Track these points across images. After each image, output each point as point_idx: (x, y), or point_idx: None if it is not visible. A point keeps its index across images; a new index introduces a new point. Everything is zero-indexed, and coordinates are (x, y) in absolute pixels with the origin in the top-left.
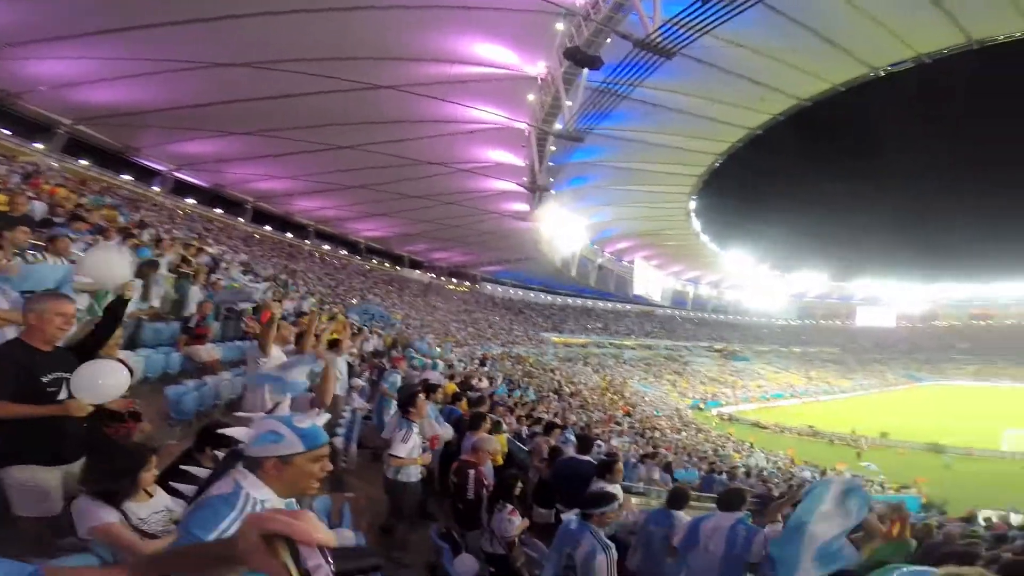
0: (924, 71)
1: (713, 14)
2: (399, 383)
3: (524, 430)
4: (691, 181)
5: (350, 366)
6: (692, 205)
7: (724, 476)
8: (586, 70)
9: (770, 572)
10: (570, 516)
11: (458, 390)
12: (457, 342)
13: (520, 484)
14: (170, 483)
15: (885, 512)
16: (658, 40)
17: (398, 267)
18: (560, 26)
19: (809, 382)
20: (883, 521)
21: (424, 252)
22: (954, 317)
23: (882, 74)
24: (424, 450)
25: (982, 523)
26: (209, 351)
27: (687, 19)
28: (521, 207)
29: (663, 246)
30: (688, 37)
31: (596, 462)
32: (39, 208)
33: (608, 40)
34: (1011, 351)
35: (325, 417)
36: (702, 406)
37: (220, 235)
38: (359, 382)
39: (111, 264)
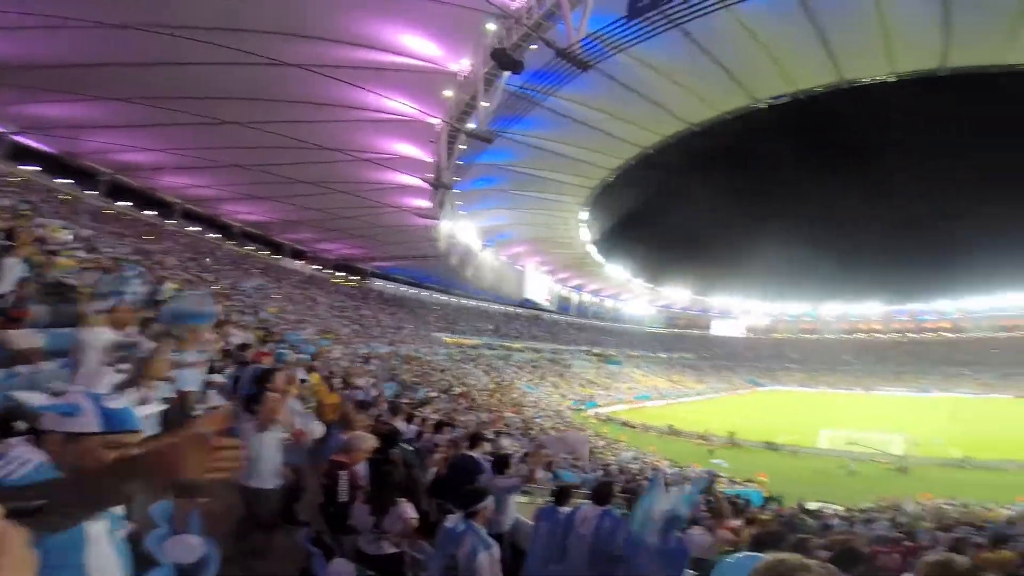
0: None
1: (633, 33)
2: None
3: (410, 428)
4: (585, 193)
5: (212, 362)
6: (583, 216)
7: (601, 473)
8: (508, 73)
9: (632, 561)
10: (453, 517)
11: (322, 380)
12: (338, 339)
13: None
14: None
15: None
16: (578, 52)
17: (277, 255)
18: (492, 26)
19: (671, 385)
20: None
21: (309, 242)
22: (788, 330)
23: (763, 106)
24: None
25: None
26: (28, 337)
27: (608, 35)
28: (421, 203)
29: (554, 253)
30: (606, 52)
31: (485, 460)
32: None
33: (534, 47)
34: (827, 361)
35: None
36: (581, 407)
37: (62, 208)
38: (219, 378)
39: None
